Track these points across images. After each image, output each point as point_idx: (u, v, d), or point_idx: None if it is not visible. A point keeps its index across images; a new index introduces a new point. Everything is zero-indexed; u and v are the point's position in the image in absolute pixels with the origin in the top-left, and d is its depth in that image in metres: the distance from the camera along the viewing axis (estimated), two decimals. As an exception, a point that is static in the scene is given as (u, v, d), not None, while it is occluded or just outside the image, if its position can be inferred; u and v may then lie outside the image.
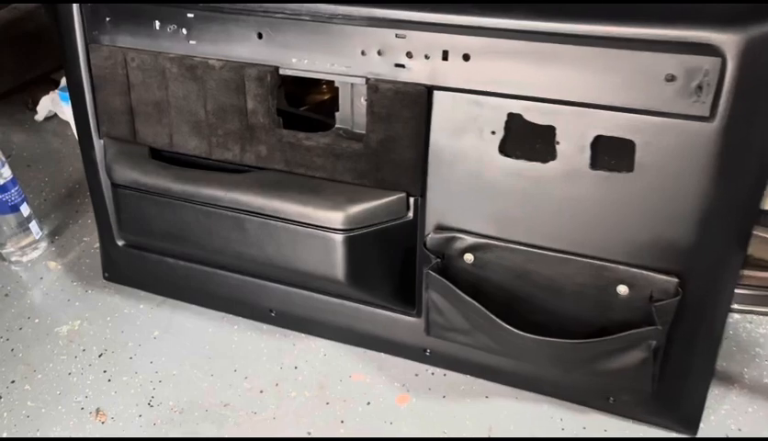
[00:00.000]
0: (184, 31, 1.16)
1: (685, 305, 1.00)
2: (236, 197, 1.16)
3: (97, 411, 1.25)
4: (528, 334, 1.03)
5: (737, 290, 1.36)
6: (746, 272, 1.35)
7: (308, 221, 1.12)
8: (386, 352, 1.33)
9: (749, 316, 1.36)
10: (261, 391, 1.28)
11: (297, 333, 1.39)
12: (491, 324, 1.04)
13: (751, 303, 1.36)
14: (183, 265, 1.37)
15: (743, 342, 1.31)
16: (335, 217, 1.10)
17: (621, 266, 1.01)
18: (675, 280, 0.98)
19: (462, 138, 1.04)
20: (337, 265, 1.14)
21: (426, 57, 1.01)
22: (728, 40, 0.86)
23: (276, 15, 1.08)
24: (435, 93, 1.03)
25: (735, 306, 1.36)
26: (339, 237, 1.11)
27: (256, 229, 1.16)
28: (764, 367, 1.26)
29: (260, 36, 1.11)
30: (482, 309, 1.05)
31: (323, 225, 1.11)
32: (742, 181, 0.94)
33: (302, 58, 1.10)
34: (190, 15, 1.14)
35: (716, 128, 0.90)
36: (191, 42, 1.16)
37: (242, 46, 1.13)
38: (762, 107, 0.89)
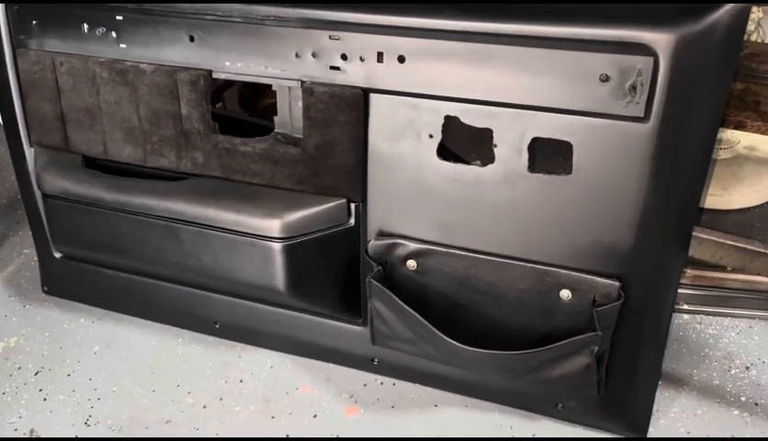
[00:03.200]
0: (113, 34, 1.12)
1: (628, 308, 0.98)
2: (169, 206, 1.12)
3: (31, 432, 1.20)
4: (467, 347, 1.00)
5: (686, 291, 1.36)
6: (694, 272, 1.34)
7: (244, 230, 1.08)
8: (333, 362, 1.29)
9: (698, 317, 1.35)
10: (204, 407, 1.23)
11: (243, 345, 1.35)
12: (433, 335, 1.02)
13: (700, 303, 1.36)
14: (124, 276, 1.32)
15: (692, 343, 1.30)
16: (273, 225, 1.07)
17: (563, 271, 0.99)
18: (617, 284, 0.97)
19: (400, 142, 1.02)
20: (277, 275, 1.10)
21: (361, 59, 0.99)
22: (661, 40, 0.84)
23: (207, 17, 1.05)
24: (372, 96, 1.01)
25: (684, 306, 1.36)
26: (277, 245, 1.08)
27: (192, 238, 1.12)
28: (713, 369, 1.25)
29: (192, 39, 1.07)
30: (423, 321, 1.02)
31: (261, 233, 1.08)
32: (679, 182, 0.93)
33: (236, 61, 1.06)
34: (119, 17, 1.10)
35: (650, 128, 0.89)
36: (121, 46, 1.12)
37: (174, 49, 1.09)
38: (697, 107, 0.88)
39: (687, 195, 0.94)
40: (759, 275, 1.08)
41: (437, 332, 1.01)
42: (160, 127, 1.14)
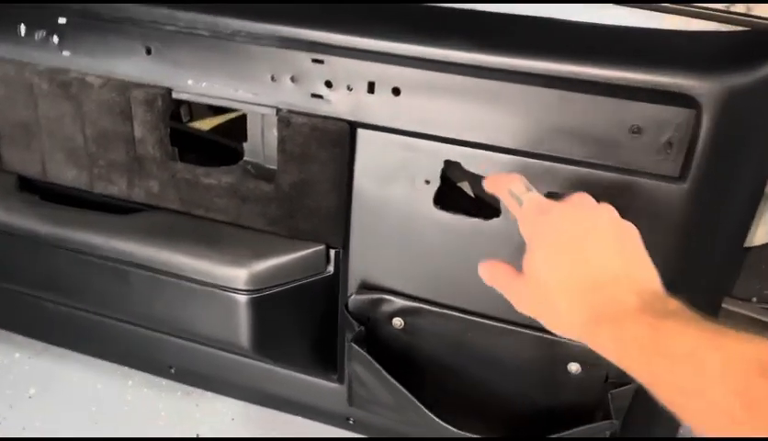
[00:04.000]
0: (55, 39, 0.94)
1: (643, 388, 0.86)
2: (116, 246, 0.96)
3: (-50, 493, 1.04)
4: (455, 429, 0.87)
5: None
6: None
7: (205, 279, 0.93)
8: (304, 416, 1.15)
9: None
10: (154, 466, 1.09)
11: (202, 391, 1.20)
12: (417, 410, 0.88)
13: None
14: (66, 309, 1.16)
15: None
16: (238, 274, 0.92)
17: (573, 343, 0.86)
18: (634, 361, 0.84)
19: (391, 185, 0.87)
20: (241, 331, 0.95)
21: (349, 88, 0.84)
22: (705, 90, 0.71)
23: (168, 26, 0.88)
24: (360, 131, 0.86)
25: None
26: (243, 298, 0.93)
27: (142, 284, 0.96)
28: None
29: (148, 51, 0.90)
30: (408, 394, 0.89)
31: (224, 284, 0.92)
32: (715, 250, 0.80)
33: (200, 80, 0.90)
34: (62, 20, 0.93)
35: (686, 190, 0.76)
36: (64, 53, 0.95)
37: (127, 62, 0.92)
38: (742, 169, 0.75)
39: (723, 263, 0.81)
40: None
41: (424, 409, 0.88)
42: (109, 150, 0.98)
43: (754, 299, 1.39)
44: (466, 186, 1.20)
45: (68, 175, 1.02)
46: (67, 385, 1.21)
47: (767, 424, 0.45)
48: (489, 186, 0.74)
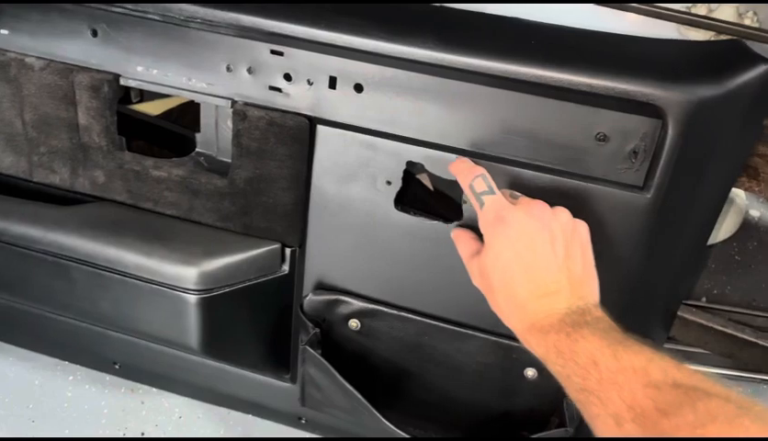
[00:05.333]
0: (-9, 16, 0.87)
1: (599, 393, 0.86)
2: (58, 240, 0.90)
3: None
4: (405, 435, 0.86)
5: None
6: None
7: (152, 277, 0.88)
8: (254, 415, 1.12)
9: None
10: (96, 467, 1.04)
11: (148, 387, 1.16)
12: (372, 415, 0.86)
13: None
14: (3, 300, 1.09)
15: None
16: (188, 273, 0.87)
17: (530, 348, 0.86)
18: (590, 368, 0.84)
19: (351, 185, 0.84)
20: (190, 332, 0.91)
21: (309, 82, 0.80)
22: (672, 101, 0.70)
23: (116, 8, 0.83)
24: (320, 127, 0.83)
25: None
26: (192, 298, 0.88)
27: (86, 280, 0.91)
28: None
29: (94, 33, 0.85)
30: (363, 400, 0.86)
31: (173, 283, 0.88)
32: (675, 259, 0.80)
33: (150, 67, 0.85)
34: (0, -5, 0.86)
35: (649, 200, 0.75)
36: (2, 31, 0.88)
37: (71, 44, 0.86)
38: (706, 180, 0.75)
39: (682, 274, 0.82)
40: (747, 365, 1.00)
41: (377, 414, 0.86)
42: (50, 136, 0.92)
43: (704, 299, 1.42)
44: (424, 178, 1.18)
45: (5, 161, 0.96)
46: (2, 381, 1.14)
47: (647, 429, 0.51)
48: (453, 171, 0.76)
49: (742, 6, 1.44)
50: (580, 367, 0.59)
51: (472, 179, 0.72)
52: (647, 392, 0.53)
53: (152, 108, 1.52)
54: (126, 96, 1.51)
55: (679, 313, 0.85)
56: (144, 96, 1.58)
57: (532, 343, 0.66)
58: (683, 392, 0.51)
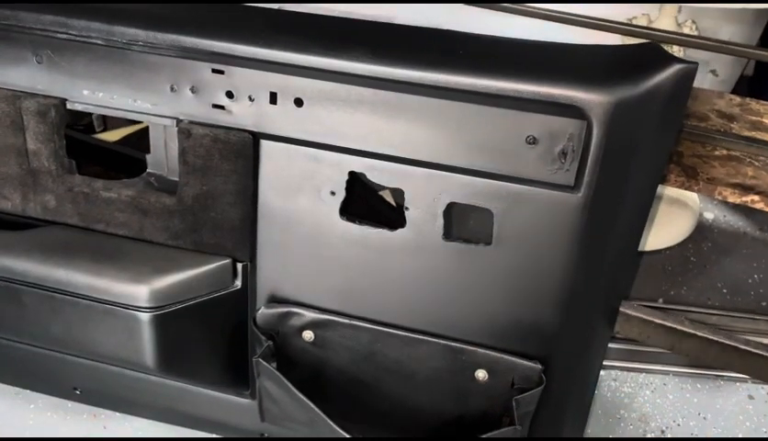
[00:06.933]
0: (-63, 46, 0.89)
1: (549, 391, 0.88)
2: (8, 264, 0.91)
3: None
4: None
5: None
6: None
7: (104, 297, 0.89)
8: (217, 434, 1.12)
9: (613, 372, 1.29)
10: (57, 494, 1.03)
11: (110, 412, 1.15)
12: (327, 426, 0.87)
13: (616, 358, 1.29)
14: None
15: (608, 403, 1.23)
16: (139, 291, 0.88)
17: (480, 350, 0.88)
18: (539, 366, 0.86)
19: (297, 197, 0.86)
20: (145, 350, 0.92)
21: (251, 98, 0.82)
22: (595, 102, 0.73)
23: (59, 34, 0.84)
24: (263, 142, 0.85)
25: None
26: (145, 316, 0.89)
27: (37, 304, 0.92)
28: (629, 432, 1.18)
29: (40, 59, 0.86)
30: (317, 410, 0.87)
31: (124, 302, 0.89)
32: (610, 256, 0.83)
33: (96, 90, 0.87)
34: (-56, 26, 0.87)
35: (581, 198, 0.78)
36: (-52, 61, 0.89)
37: (17, 71, 0.88)
38: (632, 177, 0.78)
39: (619, 269, 0.84)
40: (687, 356, 1.03)
41: (333, 425, 0.87)
42: (0, 163, 0.93)
43: (660, 300, 1.45)
44: (387, 195, 1.20)
45: (-45, 189, 0.97)
46: (-38, 412, 1.14)
47: None
48: None
49: (680, 16, 1.50)
50: None
51: None
52: None
53: (115, 136, 1.54)
54: (89, 125, 1.53)
55: (621, 310, 0.87)
56: (107, 125, 1.59)
57: None
58: None
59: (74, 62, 0.86)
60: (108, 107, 0.88)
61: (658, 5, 1.43)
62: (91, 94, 0.87)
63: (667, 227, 1.56)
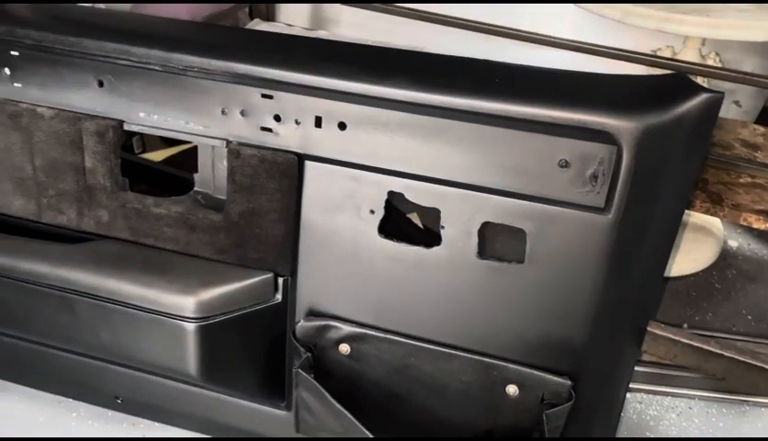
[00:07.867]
0: (7, 71, 0.96)
1: (578, 407, 0.90)
2: (63, 275, 0.96)
3: None
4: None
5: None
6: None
7: (152, 307, 0.94)
8: (252, 445, 1.16)
9: (639, 395, 1.30)
10: (98, 500, 1.07)
11: (149, 422, 1.20)
12: (364, 437, 0.91)
13: (643, 381, 1.31)
14: (8, 339, 1.14)
15: (634, 425, 1.25)
16: (186, 302, 0.93)
17: (511, 365, 0.91)
18: (568, 382, 0.89)
19: (338, 215, 0.91)
20: (189, 359, 0.96)
21: (297, 122, 0.88)
22: (625, 128, 0.78)
23: (120, 60, 0.91)
24: (308, 163, 0.90)
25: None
26: (191, 326, 0.94)
27: (89, 312, 0.97)
28: (655, 454, 1.20)
29: (101, 84, 0.93)
30: (354, 420, 0.91)
31: (171, 312, 0.94)
32: (639, 276, 0.86)
33: (151, 113, 0.93)
34: (14, 52, 0.94)
35: (610, 220, 0.82)
36: (15, 85, 0.96)
37: (79, 94, 0.94)
38: (660, 200, 0.82)
39: (646, 290, 0.87)
40: (713, 376, 1.04)
41: (369, 434, 0.90)
42: (58, 180, 0.99)
43: (685, 325, 1.47)
44: (415, 217, 1.25)
45: (15, 204, 1.03)
46: (8, 419, 1.18)
47: None
48: None
49: (704, 49, 1.54)
50: None
51: None
52: None
53: (155, 157, 1.61)
54: (129, 147, 1.60)
55: (649, 329, 0.90)
56: (146, 146, 1.66)
57: None
58: None
59: (133, 86, 0.92)
60: (163, 129, 0.93)
61: (681, 37, 1.48)
62: (147, 116, 0.93)
63: (692, 253, 1.58)
